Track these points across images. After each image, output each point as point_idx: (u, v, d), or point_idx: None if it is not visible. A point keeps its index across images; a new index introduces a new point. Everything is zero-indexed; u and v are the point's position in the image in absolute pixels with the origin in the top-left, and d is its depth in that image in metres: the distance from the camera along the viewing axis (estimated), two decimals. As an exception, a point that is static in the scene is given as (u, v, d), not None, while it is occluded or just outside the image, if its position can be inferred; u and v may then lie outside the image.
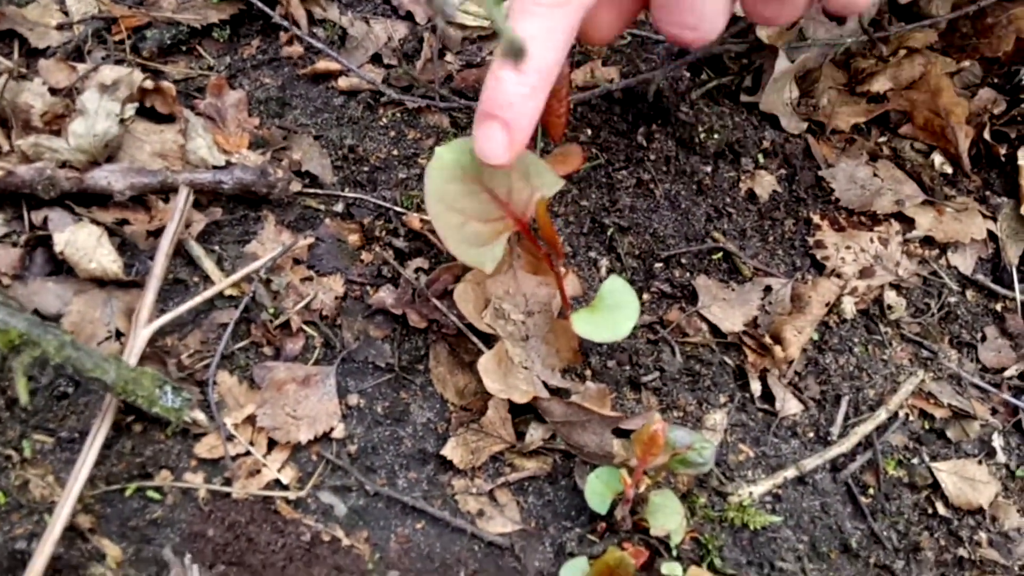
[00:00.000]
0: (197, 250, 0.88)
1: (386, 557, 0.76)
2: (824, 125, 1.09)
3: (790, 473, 0.85)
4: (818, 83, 1.11)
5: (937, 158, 1.09)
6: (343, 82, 1.03)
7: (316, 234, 0.92)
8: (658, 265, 0.96)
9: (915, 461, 0.89)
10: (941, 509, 0.87)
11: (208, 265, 0.87)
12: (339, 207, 0.95)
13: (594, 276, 0.93)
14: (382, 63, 1.08)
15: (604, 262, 0.95)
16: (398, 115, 1.02)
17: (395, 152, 0.99)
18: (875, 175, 1.06)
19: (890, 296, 0.98)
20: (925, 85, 1.08)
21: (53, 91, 0.93)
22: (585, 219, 0.96)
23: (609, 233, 0.96)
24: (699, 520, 0.81)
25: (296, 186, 0.94)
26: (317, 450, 0.80)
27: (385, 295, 0.88)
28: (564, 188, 0.96)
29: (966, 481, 0.88)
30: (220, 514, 0.75)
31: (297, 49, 1.06)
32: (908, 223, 1.04)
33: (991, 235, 1.06)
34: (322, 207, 0.95)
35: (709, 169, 1.02)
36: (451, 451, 0.80)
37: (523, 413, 0.83)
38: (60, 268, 0.85)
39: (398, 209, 0.94)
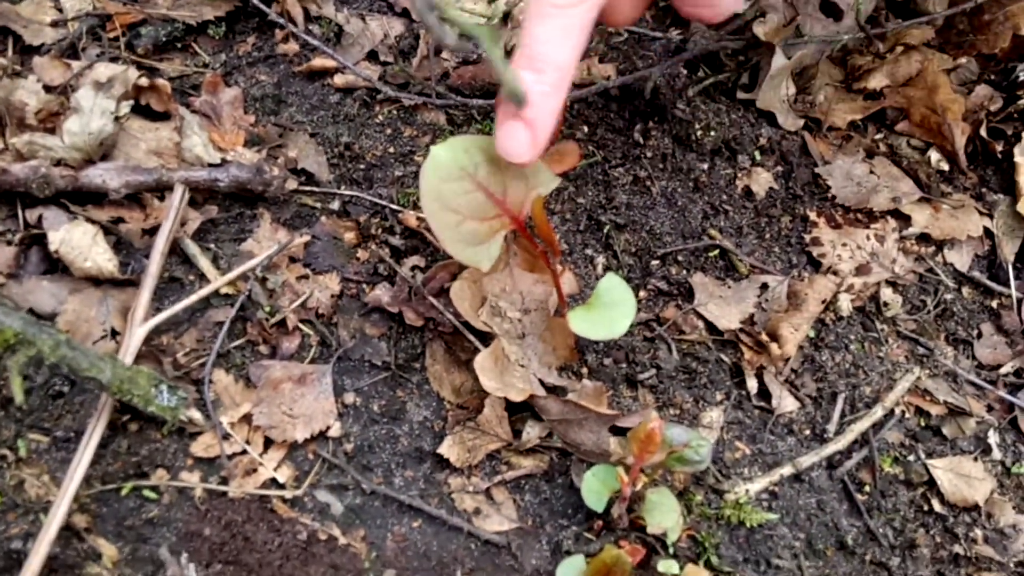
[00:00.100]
0: (193, 248, 0.88)
1: (383, 556, 0.76)
2: (820, 122, 1.09)
3: (786, 470, 0.85)
4: (815, 80, 1.11)
5: (933, 155, 1.09)
6: (339, 79, 1.03)
7: (312, 232, 0.92)
8: (654, 262, 0.96)
9: (911, 458, 0.89)
10: (937, 506, 0.87)
11: (204, 263, 0.87)
12: (335, 205, 0.95)
13: (590, 274, 0.93)
14: (378, 60, 1.07)
15: (600, 260, 0.95)
16: (394, 112, 1.02)
17: (391, 149, 0.99)
18: (871, 172, 1.06)
19: (886, 293, 0.98)
20: (922, 82, 1.08)
21: (47, 89, 0.93)
22: (581, 216, 0.96)
23: (605, 230, 0.96)
24: (696, 518, 0.81)
25: (292, 184, 0.94)
26: (313, 449, 0.80)
27: (381, 293, 0.88)
28: (560, 185, 0.96)
29: (962, 478, 0.88)
30: (216, 513, 0.75)
31: (293, 46, 1.06)
32: (904, 220, 1.04)
33: (987, 232, 1.06)
34: (318, 205, 0.94)
35: (706, 166, 1.02)
36: (447, 449, 0.80)
37: (520, 411, 0.83)
38: (55, 267, 0.84)
39: (394, 207, 0.94)
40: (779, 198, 1.03)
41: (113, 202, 0.88)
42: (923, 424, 0.92)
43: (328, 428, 0.81)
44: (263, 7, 1.04)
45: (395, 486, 0.80)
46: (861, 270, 0.99)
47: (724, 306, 0.93)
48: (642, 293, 0.94)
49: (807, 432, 0.89)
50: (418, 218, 0.93)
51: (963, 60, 1.12)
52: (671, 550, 0.79)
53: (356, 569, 0.75)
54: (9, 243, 0.85)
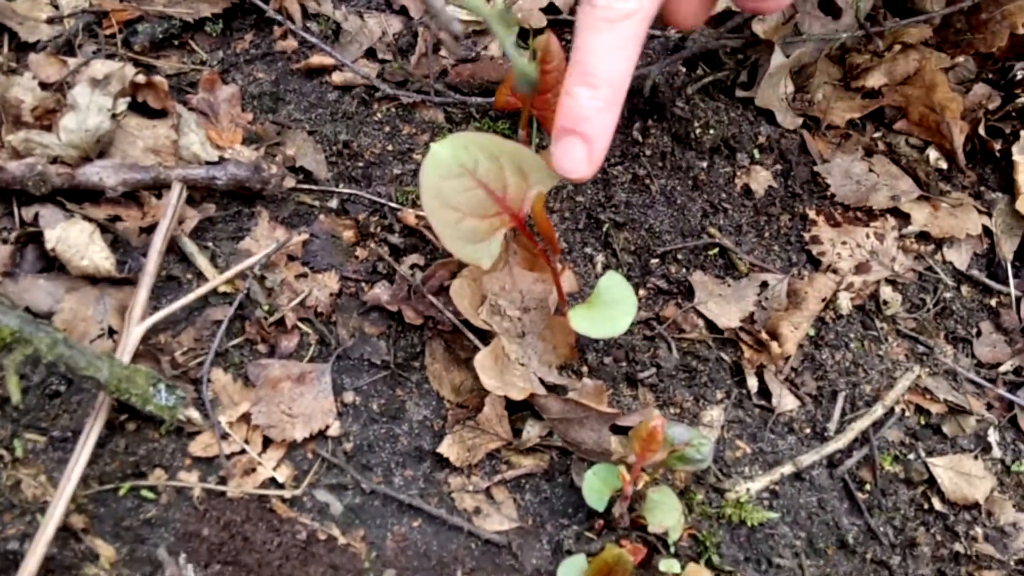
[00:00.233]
0: (190, 247, 0.87)
1: (382, 555, 0.76)
2: (819, 120, 1.09)
3: (787, 469, 0.85)
4: (813, 78, 1.11)
5: (932, 153, 1.09)
6: (337, 77, 1.02)
7: (310, 230, 0.92)
8: (654, 261, 0.95)
9: (911, 457, 0.89)
10: (937, 504, 0.87)
11: (201, 262, 0.87)
12: (333, 203, 0.94)
13: (590, 272, 0.93)
14: (376, 58, 1.07)
15: (600, 258, 0.94)
16: (393, 110, 1.02)
17: (390, 147, 0.98)
18: (870, 170, 1.06)
19: (886, 292, 0.98)
20: (920, 81, 1.08)
21: (43, 86, 0.92)
22: (581, 215, 0.96)
23: (605, 229, 0.96)
24: (697, 517, 0.81)
25: (290, 182, 0.94)
26: (313, 448, 0.80)
27: (380, 292, 0.87)
28: (559, 184, 0.96)
29: (962, 476, 0.88)
30: (215, 513, 0.74)
31: (291, 44, 1.05)
32: (904, 218, 1.04)
33: (986, 230, 1.06)
34: (316, 203, 0.94)
35: (705, 164, 1.02)
36: (447, 449, 0.80)
37: (520, 410, 0.82)
38: (52, 265, 0.84)
39: (393, 205, 0.94)
40: (778, 196, 1.03)
41: (110, 200, 0.87)
42: (923, 422, 0.92)
43: (327, 427, 0.80)
44: (261, 4, 1.04)
45: (395, 485, 0.79)
46: (861, 268, 0.99)
47: (724, 304, 0.93)
48: (642, 292, 0.93)
49: (807, 431, 0.89)
50: (417, 216, 0.92)
51: (961, 59, 1.12)
52: (672, 549, 0.78)
53: (356, 569, 0.74)
54: (5, 241, 0.84)
